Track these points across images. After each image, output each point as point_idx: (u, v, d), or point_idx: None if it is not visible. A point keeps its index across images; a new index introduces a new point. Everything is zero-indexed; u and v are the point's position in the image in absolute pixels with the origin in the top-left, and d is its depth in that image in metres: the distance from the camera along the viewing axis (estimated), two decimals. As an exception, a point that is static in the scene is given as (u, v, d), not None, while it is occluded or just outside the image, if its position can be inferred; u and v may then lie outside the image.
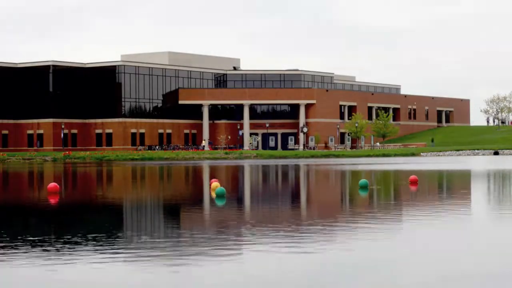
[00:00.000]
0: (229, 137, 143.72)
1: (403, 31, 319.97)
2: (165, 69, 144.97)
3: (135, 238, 15.87)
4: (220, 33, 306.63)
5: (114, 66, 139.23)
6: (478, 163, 72.04)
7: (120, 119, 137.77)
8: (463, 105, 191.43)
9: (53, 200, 26.82)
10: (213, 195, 27.52)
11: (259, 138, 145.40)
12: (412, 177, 34.82)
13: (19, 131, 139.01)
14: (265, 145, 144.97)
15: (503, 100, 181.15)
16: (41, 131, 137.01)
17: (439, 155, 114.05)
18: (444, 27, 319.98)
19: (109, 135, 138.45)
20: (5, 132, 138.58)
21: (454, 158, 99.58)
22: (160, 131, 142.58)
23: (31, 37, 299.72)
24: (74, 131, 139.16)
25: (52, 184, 30.53)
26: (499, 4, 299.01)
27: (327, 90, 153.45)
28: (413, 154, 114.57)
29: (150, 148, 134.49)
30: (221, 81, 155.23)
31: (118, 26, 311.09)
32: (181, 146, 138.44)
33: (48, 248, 14.30)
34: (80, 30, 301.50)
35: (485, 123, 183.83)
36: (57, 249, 14.09)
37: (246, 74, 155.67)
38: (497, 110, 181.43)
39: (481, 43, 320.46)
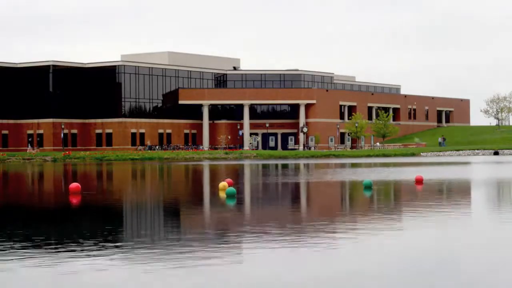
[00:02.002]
0: (229, 137, 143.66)
1: (403, 31, 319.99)
2: (165, 69, 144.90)
3: (145, 238, 15.89)
4: (220, 33, 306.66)
5: (114, 66, 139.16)
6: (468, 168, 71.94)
7: (120, 119, 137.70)
8: (463, 105, 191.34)
9: (75, 201, 26.80)
10: (223, 195, 27.67)
11: (259, 138, 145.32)
12: (418, 176, 35.60)
13: (19, 131, 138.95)
14: (265, 145, 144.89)
15: (503, 100, 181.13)
16: (41, 131, 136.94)
17: (439, 155, 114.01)
18: (444, 27, 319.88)
19: (109, 135, 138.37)
20: (5, 132, 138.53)
21: (452, 158, 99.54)
22: (160, 131, 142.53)
23: (31, 37, 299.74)
24: (74, 131, 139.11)
25: (74, 185, 30.38)
26: (499, 5, 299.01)
27: (327, 90, 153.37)
28: (413, 154, 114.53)
29: (150, 148, 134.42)
30: (221, 81, 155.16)
31: (118, 26, 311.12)
32: (181, 146, 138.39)
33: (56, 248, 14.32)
34: (80, 30, 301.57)
35: (484, 123, 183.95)
36: (58, 251, 14.12)
37: (246, 74, 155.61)
38: (497, 110, 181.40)
39: (481, 42, 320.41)
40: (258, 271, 11.73)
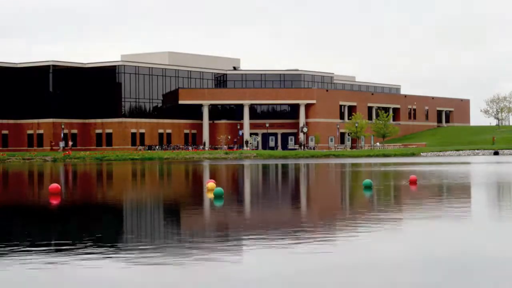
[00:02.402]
0: (229, 137, 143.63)
1: (403, 31, 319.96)
2: (165, 69, 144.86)
3: (135, 239, 15.88)
4: (220, 33, 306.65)
5: (114, 66, 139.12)
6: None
7: (120, 119, 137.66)
8: (463, 105, 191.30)
9: (55, 201, 26.71)
10: (210, 195, 27.61)
11: (259, 138, 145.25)
12: (412, 177, 35.58)
13: (19, 131, 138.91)
14: (265, 145, 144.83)
15: (503, 100, 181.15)
16: (41, 131, 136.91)
17: (439, 155, 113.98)
18: (444, 27, 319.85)
19: (109, 135, 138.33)
20: (5, 132, 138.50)
21: (450, 158, 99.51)
22: (160, 131, 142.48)
23: (31, 37, 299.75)
24: (74, 131, 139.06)
25: (54, 185, 30.28)
26: (499, 5, 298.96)
27: (327, 90, 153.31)
28: (413, 154, 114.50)
29: (150, 148, 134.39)
30: (221, 81, 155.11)
31: (118, 26, 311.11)
32: (181, 146, 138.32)
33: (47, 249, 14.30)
34: (80, 30, 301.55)
35: (484, 123, 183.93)
36: (57, 250, 14.10)
37: (246, 74, 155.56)
38: (497, 110, 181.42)
39: (481, 42, 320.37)
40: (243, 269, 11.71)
